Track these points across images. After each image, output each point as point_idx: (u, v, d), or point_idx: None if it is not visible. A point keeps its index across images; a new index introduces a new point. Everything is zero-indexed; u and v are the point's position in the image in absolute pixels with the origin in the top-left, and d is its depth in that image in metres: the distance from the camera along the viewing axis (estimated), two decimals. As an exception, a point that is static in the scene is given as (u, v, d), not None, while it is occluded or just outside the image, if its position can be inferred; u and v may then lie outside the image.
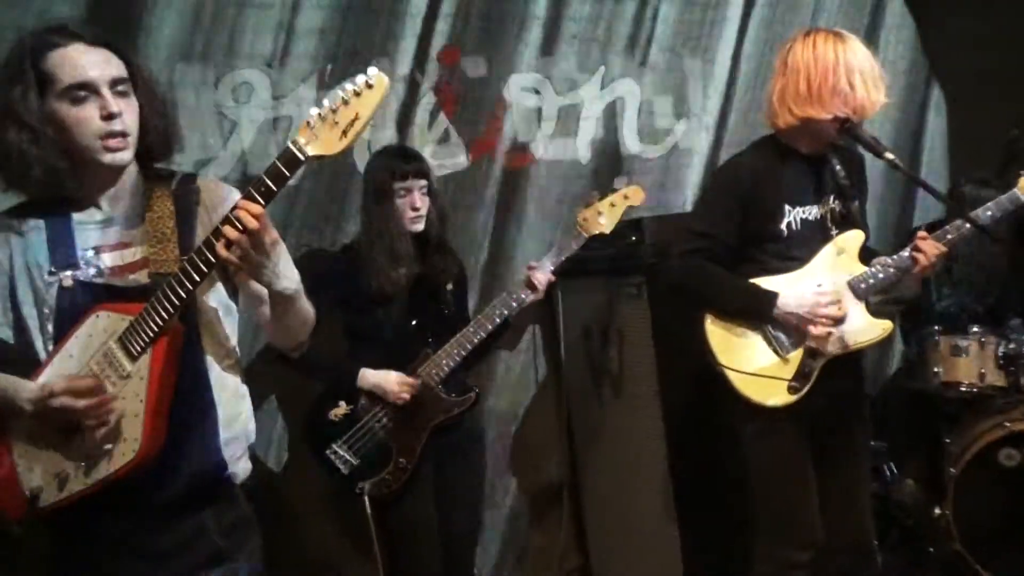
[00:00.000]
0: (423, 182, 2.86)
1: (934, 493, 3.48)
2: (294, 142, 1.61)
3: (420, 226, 2.87)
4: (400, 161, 2.88)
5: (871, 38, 4.11)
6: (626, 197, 2.95)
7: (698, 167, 3.92)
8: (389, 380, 2.80)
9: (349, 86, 1.59)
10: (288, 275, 1.75)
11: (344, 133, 1.59)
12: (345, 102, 1.58)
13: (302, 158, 1.61)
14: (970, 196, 3.64)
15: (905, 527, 3.63)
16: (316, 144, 1.60)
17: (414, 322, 2.88)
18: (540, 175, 3.65)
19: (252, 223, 1.60)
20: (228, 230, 1.61)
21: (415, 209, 2.84)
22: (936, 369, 3.50)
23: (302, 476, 3.07)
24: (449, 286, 2.98)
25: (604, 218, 2.92)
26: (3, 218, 1.82)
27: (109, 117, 1.71)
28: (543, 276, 2.90)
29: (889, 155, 2.46)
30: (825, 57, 2.44)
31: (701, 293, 2.57)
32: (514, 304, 2.89)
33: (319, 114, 1.60)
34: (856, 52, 2.46)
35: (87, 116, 1.71)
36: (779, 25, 3.97)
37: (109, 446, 1.70)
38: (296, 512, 3.16)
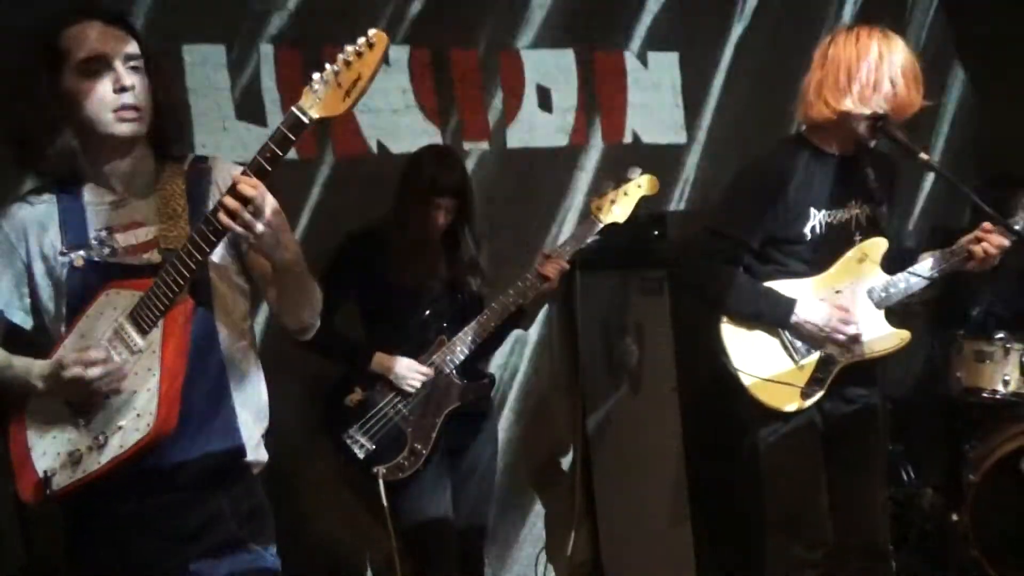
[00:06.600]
0: (456, 201, 2.84)
1: (953, 498, 3.46)
2: (298, 107, 1.61)
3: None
4: (443, 175, 2.82)
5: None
6: (640, 186, 2.91)
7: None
8: (400, 365, 2.81)
9: (350, 48, 1.58)
10: (290, 247, 1.75)
11: (347, 94, 1.59)
12: (347, 63, 1.58)
13: (306, 121, 1.61)
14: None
15: (923, 531, 3.59)
16: (320, 107, 1.60)
17: (427, 312, 2.88)
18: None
19: (250, 191, 1.62)
20: (228, 200, 1.63)
21: (439, 223, 2.85)
22: (959, 374, 3.47)
23: (317, 461, 3.07)
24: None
25: (618, 207, 2.89)
26: (19, 202, 1.83)
27: (122, 90, 1.74)
28: (556, 265, 2.88)
29: (923, 155, 2.40)
30: (869, 52, 2.37)
31: (719, 297, 2.53)
32: (528, 292, 2.87)
33: (322, 77, 1.60)
34: (901, 51, 2.39)
35: (101, 88, 1.73)
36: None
37: (122, 423, 1.70)
38: (310, 497, 3.16)
